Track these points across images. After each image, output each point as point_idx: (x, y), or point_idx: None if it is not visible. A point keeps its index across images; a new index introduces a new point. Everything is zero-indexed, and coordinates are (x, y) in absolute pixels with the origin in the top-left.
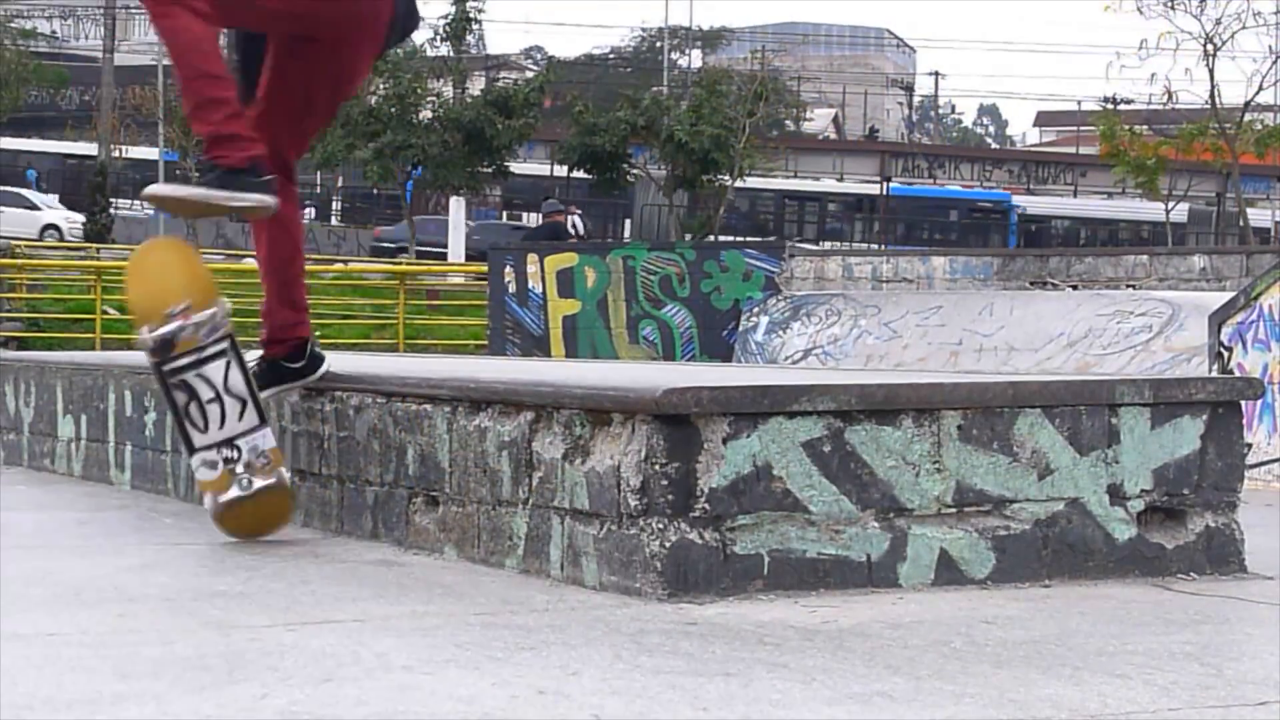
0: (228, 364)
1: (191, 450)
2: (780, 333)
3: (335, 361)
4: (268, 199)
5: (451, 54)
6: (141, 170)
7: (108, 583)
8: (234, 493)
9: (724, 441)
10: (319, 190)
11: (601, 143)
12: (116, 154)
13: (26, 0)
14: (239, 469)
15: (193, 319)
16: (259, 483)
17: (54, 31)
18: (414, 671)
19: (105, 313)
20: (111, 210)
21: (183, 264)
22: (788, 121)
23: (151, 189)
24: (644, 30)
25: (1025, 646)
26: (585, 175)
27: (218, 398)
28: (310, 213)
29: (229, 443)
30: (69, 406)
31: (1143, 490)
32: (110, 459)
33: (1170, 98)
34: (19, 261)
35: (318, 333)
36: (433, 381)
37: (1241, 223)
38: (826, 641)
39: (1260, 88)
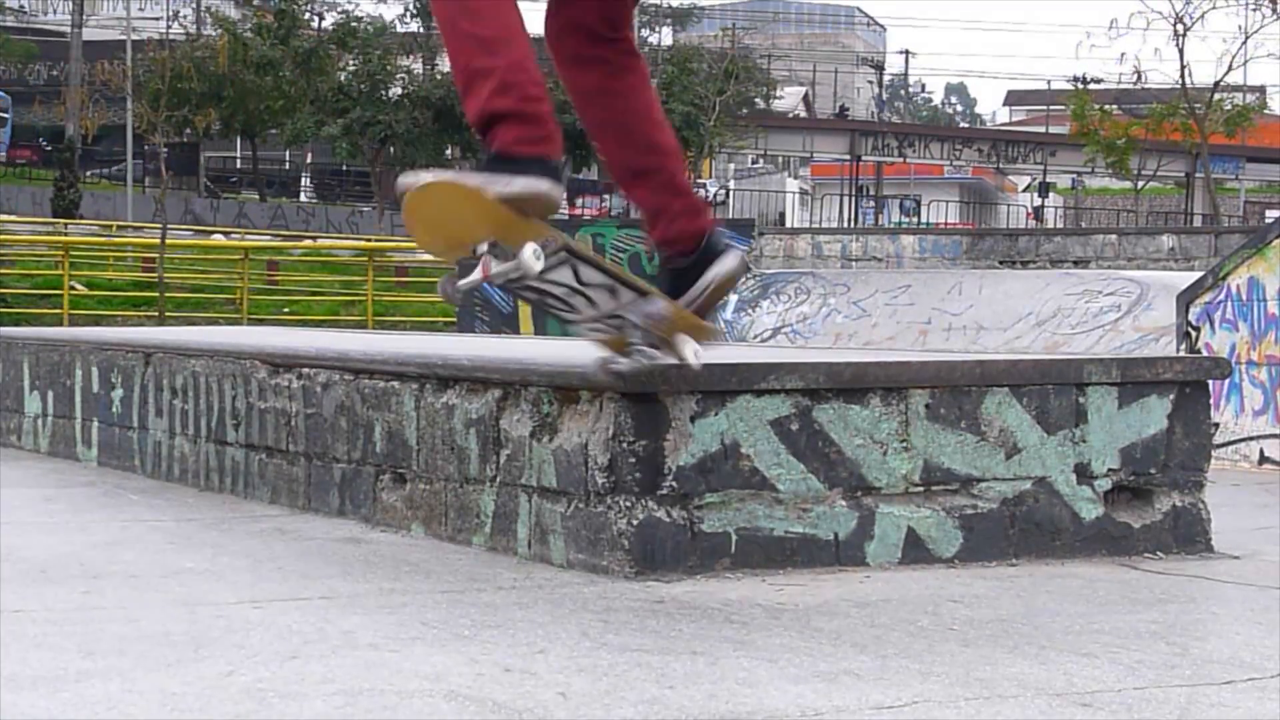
0: (572, 267)
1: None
2: (749, 311)
3: (302, 339)
4: (549, 189)
5: (421, 30)
6: (109, 144)
7: (73, 559)
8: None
9: (692, 420)
10: (288, 167)
11: (572, 120)
12: (85, 129)
13: None
14: (633, 336)
15: (493, 270)
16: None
17: (21, 5)
18: (380, 649)
19: (73, 288)
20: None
21: (471, 203)
22: (758, 99)
23: (402, 181)
24: None
25: (992, 625)
26: None
27: (577, 292)
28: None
29: (611, 317)
30: (36, 382)
31: (1110, 469)
32: (77, 435)
33: (1140, 77)
34: None
35: (286, 309)
36: (400, 358)
37: (1212, 204)
38: (793, 620)
39: (1230, 68)
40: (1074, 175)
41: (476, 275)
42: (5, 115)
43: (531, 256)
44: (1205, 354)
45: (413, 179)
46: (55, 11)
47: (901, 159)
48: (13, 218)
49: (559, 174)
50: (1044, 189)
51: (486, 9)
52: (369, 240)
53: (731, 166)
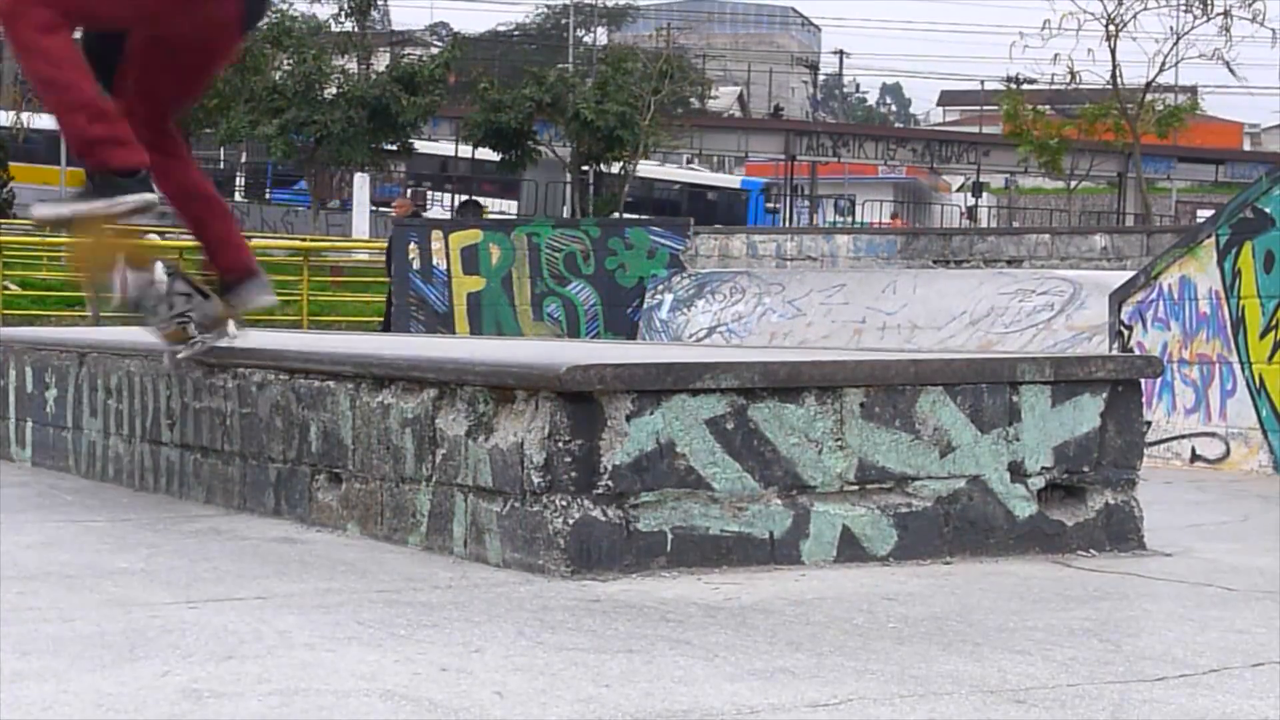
0: (173, 278)
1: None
2: (684, 310)
3: (241, 339)
4: (147, 197)
5: (356, 29)
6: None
7: (7, 560)
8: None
9: (627, 419)
10: (223, 165)
11: (507, 120)
12: (18, 126)
13: None
14: (193, 329)
15: (131, 288)
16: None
17: None
18: (316, 649)
19: (6, 288)
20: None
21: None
22: (693, 99)
23: (36, 212)
24: (549, 7)
25: (926, 623)
26: (490, 152)
27: (168, 296)
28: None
29: (180, 315)
30: None
31: (1043, 468)
32: (11, 435)
33: (1073, 78)
34: None
35: None
36: (336, 358)
37: (1143, 203)
38: (729, 618)
39: (1161, 68)
40: (1007, 175)
41: (115, 295)
42: None
43: (161, 271)
44: (1137, 353)
45: (47, 210)
46: None
47: (836, 159)
48: None
49: (150, 184)
50: (978, 189)
51: (66, 59)
52: (304, 240)
53: (668, 165)
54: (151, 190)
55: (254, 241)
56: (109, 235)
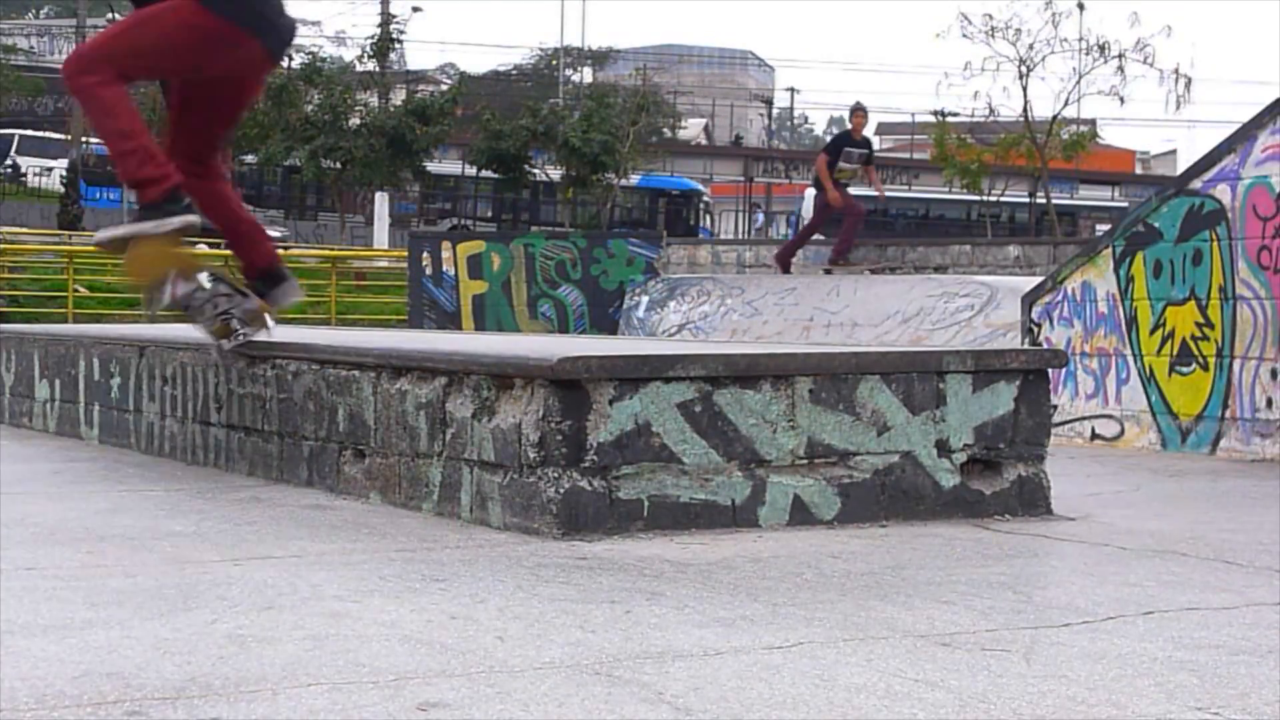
0: (216, 281)
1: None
2: (658, 310)
3: (276, 333)
4: (189, 219)
5: (377, 69)
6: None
7: (78, 524)
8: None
9: (610, 403)
10: (274, 185)
11: (506, 146)
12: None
13: (7, 20)
14: (236, 324)
15: (180, 291)
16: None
17: (31, 47)
18: (344, 600)
19: (76, 291)
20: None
21: (157, 245)
22: (665, 130)
23: (98, 236)
24: (543, 50)
25: (865, 577)
26: (492, 174)
27: (213, 298)
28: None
29: (224, 313)
30: (45, 372)
31: (965, 444)
32: (80, 417)
33: (990, 112)
34: (0, 246)
35: None
36: (360, 351)
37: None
38: (697, 574)
39: (1066, 103)
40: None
41: (167, 299)
42: None
43: (206, 277)
44: (1045, 347)
45: (106, 234)
46: (60, 52)
47: (788, 180)
48: (24, 230)
49: (192, 207)
50: None
51: (121, 110)
52: (332, 249)
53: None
54: (194, 212)
55: (291, 250)
56: (160, 250)
